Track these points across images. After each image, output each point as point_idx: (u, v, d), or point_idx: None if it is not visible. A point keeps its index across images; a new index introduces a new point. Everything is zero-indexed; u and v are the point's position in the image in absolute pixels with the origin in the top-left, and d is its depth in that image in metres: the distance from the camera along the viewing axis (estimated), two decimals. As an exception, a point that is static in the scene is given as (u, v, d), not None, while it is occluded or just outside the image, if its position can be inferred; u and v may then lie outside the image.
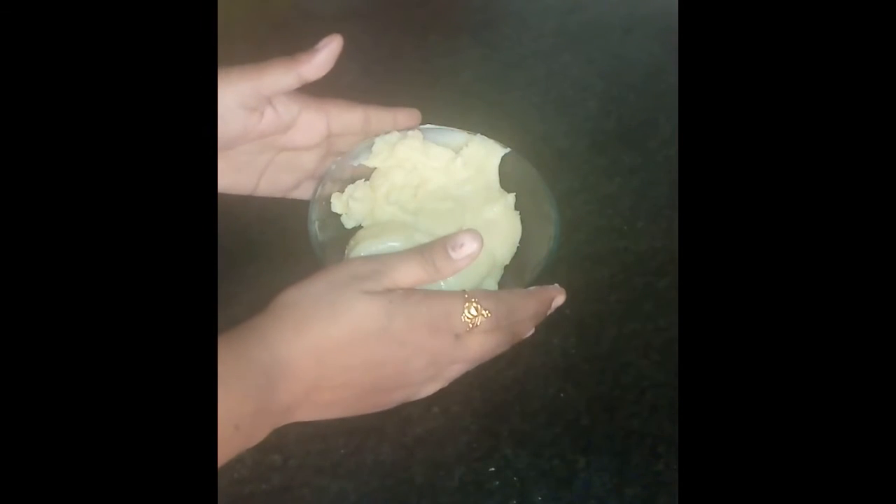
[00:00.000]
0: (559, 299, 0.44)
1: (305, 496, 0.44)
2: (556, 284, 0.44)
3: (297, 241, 0.48)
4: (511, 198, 0.49)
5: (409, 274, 0.40)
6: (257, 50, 0.69)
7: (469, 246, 0.40)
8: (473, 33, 0.72)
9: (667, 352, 0.51)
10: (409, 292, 0.39)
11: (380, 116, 0.50)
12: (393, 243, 0.45)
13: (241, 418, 0.35)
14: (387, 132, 0.50)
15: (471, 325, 0.40)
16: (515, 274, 0.47)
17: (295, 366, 0.37)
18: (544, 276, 0.45)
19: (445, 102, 0.60)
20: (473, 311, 0.39)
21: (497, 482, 0.45)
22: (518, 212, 0.49)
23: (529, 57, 0.70)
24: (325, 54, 0.46)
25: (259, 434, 0.37)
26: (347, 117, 0.49)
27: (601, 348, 0.51)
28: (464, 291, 0.40)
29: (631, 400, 0.48)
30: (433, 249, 0.41)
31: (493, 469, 0.46)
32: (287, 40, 0.70)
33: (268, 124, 0.47)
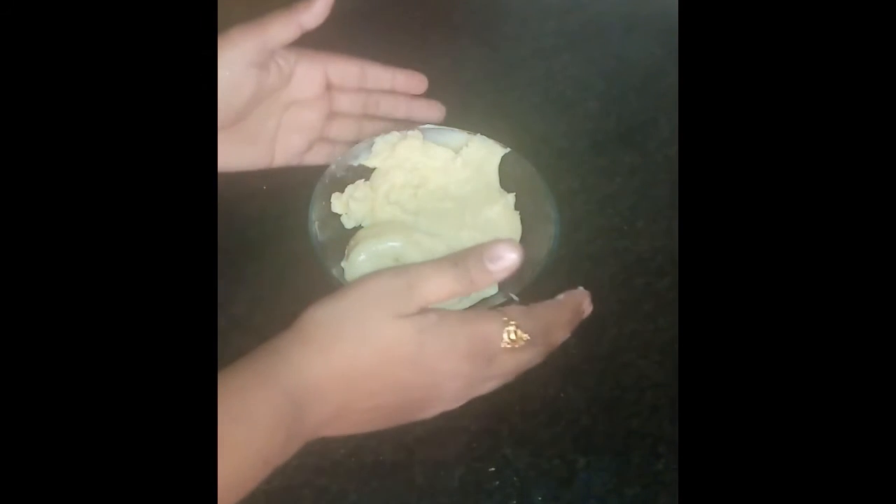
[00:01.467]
0: (587, 304, 0.43)
1: (305, 496, 0.44)
2: (581, 288, 0.43)
3: (297, 241, 0.48)
4: (511, 197, 0.49)
5: (442, 287, 0.37)
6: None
7: (508, 258, 0.38)
8: (473, 33, 0.71)
9: (667, 352, 0.50)
10: (444, 317, 0.37)
11: (377, 72, 0.50)
12: (393, 243, 0.45)
13: (270, 452, 0.34)
14: (385, 87, 0.51)
15: (510, 348, 0.38)
16: (515, 274, 0.47)
17: (323, 390, 0.36)
18: (544, 276, 0.45)
19: (445, 102, 0.60)
20: (513, 336, 0.38)
21: (497, 482, 0.45)
22: (518, 211, 0.49)
23: (529, 57, 0.70)
24: (323, 2, 0.46)
25: (286, 458, 0.36)
26: (344, 66, 0.50)
27: (601, 348, 0.51)
28: (501, 312, 0.38)
29: (631, 400, 0.48)
30: (468, 260, 0.38)
31: (493, 469, 0.45)
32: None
33: (274, 79, 0.47)
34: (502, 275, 0.38)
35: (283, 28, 0.46)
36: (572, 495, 0.45)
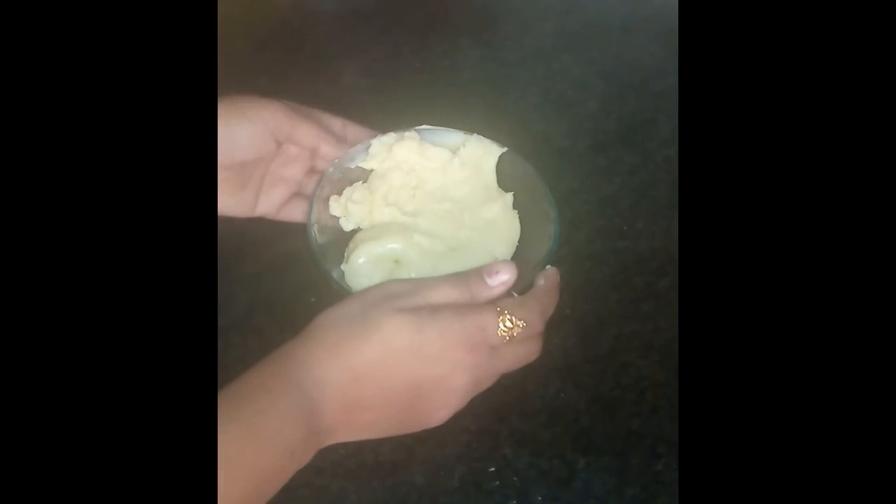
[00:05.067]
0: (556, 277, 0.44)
1: (305, 496, 0.44)
2: (547, 266, 0.44)
3: (297, 241, 0.48)
4: (509, 197, 0.49)
5: (443, 295, 0.40)
6: (257, 50, 0.69)
7: (504, 274, 0.41)
8: (473, 33, 0.71)
9: (667, 352, 0.51)
10: (439, 309, 0.39)
11: (357, 131, 0.51)
12: (393, 245, 0.45)
13: (294, 444, 0.36)
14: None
15: (507, 338, 0.39)
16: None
17: (334, 386, 0.37)
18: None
19: (445, 102, 0.60)
20: (509, 324, 0.39)
21: (497, 482, 0.45)
22: (517, 211, 0.49)
23: (529, 57, 0.70)
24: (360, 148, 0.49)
25: (308, 457, 0.38)
26: (325, 119, 0.51)
27: (601, 348, 0.51)
28: (495, 304, 0.40)
29: (631, 400, 0.48)
30: (468, 275, 0.41)
31: (493, 469, 0.46)
32: (287, 40, 0.70)
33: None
34: (500, 289, 0.41)
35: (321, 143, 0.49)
36: (572, 495, 0.45)
